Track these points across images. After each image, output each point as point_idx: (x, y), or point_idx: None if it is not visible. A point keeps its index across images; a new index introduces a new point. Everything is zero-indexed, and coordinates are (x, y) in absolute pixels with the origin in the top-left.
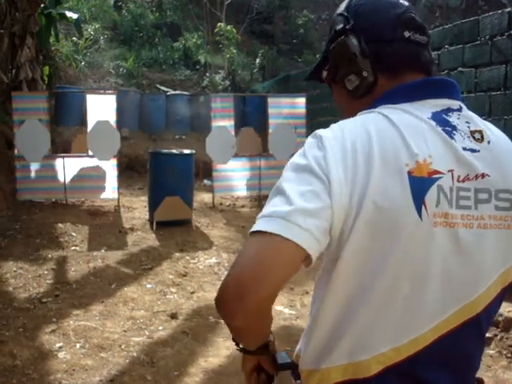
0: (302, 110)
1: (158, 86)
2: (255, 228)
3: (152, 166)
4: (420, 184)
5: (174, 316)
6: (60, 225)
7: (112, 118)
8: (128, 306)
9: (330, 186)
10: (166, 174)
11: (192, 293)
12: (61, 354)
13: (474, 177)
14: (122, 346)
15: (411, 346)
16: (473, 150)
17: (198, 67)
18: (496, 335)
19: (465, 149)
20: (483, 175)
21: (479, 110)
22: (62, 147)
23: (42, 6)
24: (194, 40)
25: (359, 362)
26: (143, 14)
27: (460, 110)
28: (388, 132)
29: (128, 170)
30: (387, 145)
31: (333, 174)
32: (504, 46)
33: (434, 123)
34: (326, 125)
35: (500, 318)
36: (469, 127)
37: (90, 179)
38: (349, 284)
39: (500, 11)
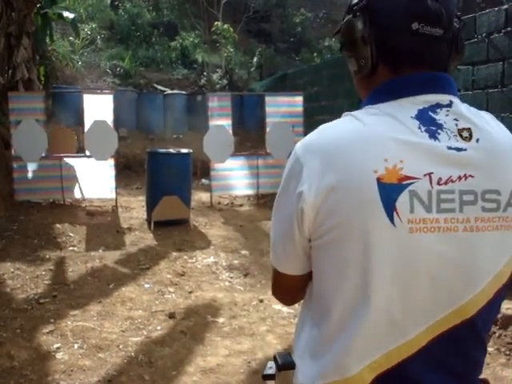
0: (300, 109)
1: (155, 85)
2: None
3: (150, 166)
4: (389, 190)
5: (171, 316)
6: (58, 225)
7: (109, 117)
8: (126, 305)
9: (302, 200)
10: (163, 173)
11: (190, 292)
12: (59, 355)
13: (457, 178)
14: (120, 346)
15: (403, 351)
16: (458, 149)
17: (195, 66)
18: (494, 332)
19: (450, 148)
20: (468, 176)
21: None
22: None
23: (38, 5)
24: (191, 39)
25: (352, 376)
26: (140, 14)
27: (450, 105)
28: (359, 139)
29: (126, 170)
30: (356, 153)
31: (304, 190)
32: (501, 44)
33: (417, 123)
34: (323, 123)
35: (498, 316)
36: (457, 125)
37: (87, 179)
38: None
39: (497, 8)
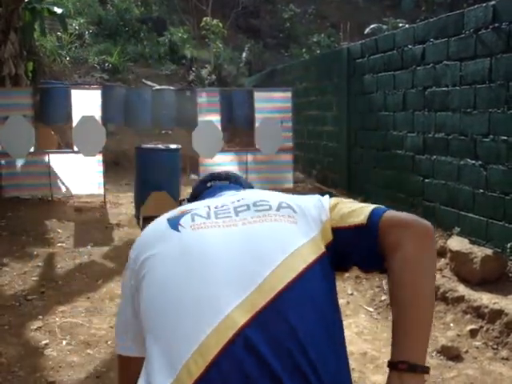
0: (289, 104)
1: (143, 80)
2: None
3: (138, 162)
4: (175, 219)
5: None
6: (46, 221)
7: (97, 113)
8: (114, 301)
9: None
10: (152, 169)
11: None
12: (47, 351)
13: (231, 203)
14: (109, 342)
15: (227, 328)
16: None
17: (183, 62)
18: (482, 327)
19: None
20: (241, 199)
21: (464, 103)
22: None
23: (26, 0)
24: (180, 34)
25: (179, 374)
26: (128, 9)
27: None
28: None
29: (114, 166)
30: (154, 224)
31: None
32: (488, 39)
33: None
34: (311, 118)
35: (486, 310)
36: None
37: (75, 175)
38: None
39: (484, 4)
